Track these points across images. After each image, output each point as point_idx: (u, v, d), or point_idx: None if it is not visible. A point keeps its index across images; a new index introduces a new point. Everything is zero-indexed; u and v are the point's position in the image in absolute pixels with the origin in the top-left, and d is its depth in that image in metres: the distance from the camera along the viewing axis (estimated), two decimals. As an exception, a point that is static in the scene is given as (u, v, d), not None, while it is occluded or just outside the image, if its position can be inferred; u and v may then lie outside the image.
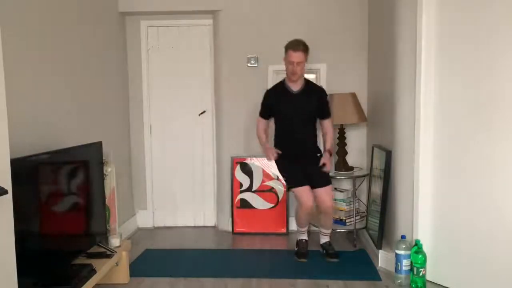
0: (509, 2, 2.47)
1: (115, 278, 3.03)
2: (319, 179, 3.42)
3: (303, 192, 3.37)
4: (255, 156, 4.27)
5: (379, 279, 3.11)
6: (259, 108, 4.25)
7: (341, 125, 3.93)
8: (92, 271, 2.57)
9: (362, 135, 4.23)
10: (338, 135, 3.98)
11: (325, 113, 3.56)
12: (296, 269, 3.35)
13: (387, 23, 3.33)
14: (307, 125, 3.52)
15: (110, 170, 3.24)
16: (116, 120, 4.06)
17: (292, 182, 3.50)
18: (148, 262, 3.52)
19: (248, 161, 4.27)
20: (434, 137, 2.91)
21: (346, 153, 3.97)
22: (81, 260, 2.70)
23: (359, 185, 4.07)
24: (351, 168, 3.98)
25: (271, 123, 3.68)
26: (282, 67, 4.22)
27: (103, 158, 3.04)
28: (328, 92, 4.04)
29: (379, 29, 3.67)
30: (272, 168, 4.23)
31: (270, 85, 4.23)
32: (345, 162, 3.96)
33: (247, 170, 4.26)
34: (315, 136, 3.61)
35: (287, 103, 3.47)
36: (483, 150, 2.64)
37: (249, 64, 4.23)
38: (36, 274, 2.19)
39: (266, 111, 3.58)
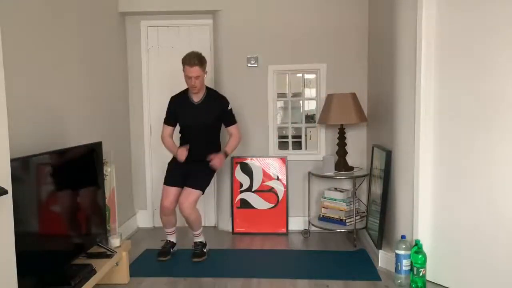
0: (509, 2, 2.47)
1: (115, 278, 3.03)
2: (190, 180, 3.44)
3: (167, 191, 3.48)
4: (255, 156, 4.27)
5: (379, 279, 3.11)
6: (259, 108, 4.28)
7: (341, 125, 3.94)
8: (92, 271, 2.57)
9: (362, 135, 4.23)
10: (338, 135, 3.99)
11: (228, 121, 3.59)
12: (296, 269, 3.35)
13: (387, 23, 3.33)
14: (207, 135, 3.54)
15: (110, 170, 3.24)
16: (116, 120, 4.06)
17: (166, 178, 3.57)
18: (148, 262, 3.52)
19: (248, 161, 4.27)
20: (434, 137, 2.91)
21: (346, 153, 3.97)
22: (81, 260, 2.70)
23: (359, 185, 4.08)
24: (351, 168, 3.98)
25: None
26: (282, 67, 4.26)
27: (103, 158, 3.04)
28: (328, 92, 4.07)
29: (379, 29, 3.67)
30: (272, 168, 4.25)
31: (270, 85, 4.25)
32: (345, 162, 3.96)
33: (247, 170, 4.26)
34: (215, 145, 3.62)
35: (187, 114, 3.51)
36: (483, 150, 2.64)
37: (249, 64, 4.23)
38: (36, 274, 2.19)
39: (170, 118, 3.60)
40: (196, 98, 3.52)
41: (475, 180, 2.69)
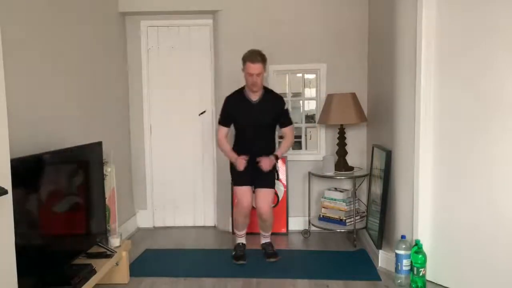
0: (509, 2, 2.47)
1: (115, 278, 3.03)
2: (260, 181, 3.42)
3: (242, 192, 3.42)
4: (255, 156, 4.27)
5: (379, 279, 3.11)
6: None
7: (341, 125, 3.94)
8: (92, 271, 2.57)
9: (362, 135, 4.23)
10: (338, 135, 3.99)
11: (284, 122, 3.52)
12: (296, 269, 3.35)
13: (387, 23, 3.33)
14: (264, 135, 3.48)
15: (110, 170, 3.24)
16: (116, 120, 4.06)
17: (236, 180, 3.51)
18: (148, 262, 3.52)
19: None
20: (434, 137, 2.91)
21: (346, 153, 3.97)
22: (81, 260, 2.70)
23: (359, 185, 4.07)
24: (351, 168, 3.98)
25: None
26: (282, 67, 4.25)
27: (103, 158, 3.04)
28: (328, 92, 4.07)
29: (379, 29, 3.67)
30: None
31: (270, 85, 4.24)
32: (345, 162, 3.96)
33: (247, 170, 4.26)
34: (272, 145, 3.57)
35: (245, 113, 3.42)
36: (483, 149, 2.64)
37: (249, 64, 4.22)
38: (36, 274, 2.19)
39: (226, 119, 3.51)
40: (254, 97, 3.41)
41: (475, 180, 2.69)
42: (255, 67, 3.26)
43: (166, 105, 4.43)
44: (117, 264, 2.97)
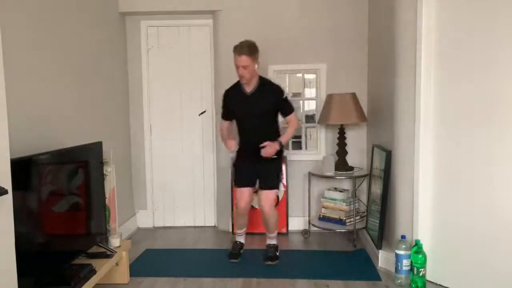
0: (509, 2, 2.47)
1: (115, 278, 3.03)
2: (262, 181, 3.44)
3: (241, 193, 3.46)
4: (255, 156, 4.27)
5: (379, 279, 3.11)
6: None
7: (341, 125, 3.94)
8: (92, 271, 2.57)
9: (362, 135, 4.23)
10: (338, 135, 3.99)
11: (285, 111, 3.47)
12: (296, 269, 3.35)
13: (387, 23, 3.33)
14: (264, 126, 3.44)
15: (110, 170, 3.24)
16: (116, 120, 4.06)
17: (236, 180, 3.55)
18: (148, 262, 3.52)
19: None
20: (434, 137, 2.91)
21: (346, 153, 3.97)
22: (81, 260, 2.70)
23: (359, 185, 4.07)
24: (351, 168, 3.98)
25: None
26: (282, 67, 4.26)
27: (103, 158, 3.04)
28: (328, 92, 4.06)
29: (379, 29, 3.67)
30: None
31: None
32: (345, 162, 3.96)
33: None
34: (274, 134, 3.47)
35: (241, 105, 3.43)
36: (483, 149, 2.64)
37: (249, 64, 4.22)
38: (36, 274, 2.19)
39: (225, 112, 3.55)
40: (248, 88, 3.40)
41: (475, 180, 2.69)
42: (241, 60, 3.24)
43: (166, 105, 4.43)
44: (117, 264, 2.97)
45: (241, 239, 3.66)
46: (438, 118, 2.88)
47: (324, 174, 3.93)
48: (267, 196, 3.41)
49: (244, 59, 3.23)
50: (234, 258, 3.51)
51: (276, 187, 3.47)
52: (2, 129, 1.62)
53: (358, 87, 4.10)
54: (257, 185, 3.51)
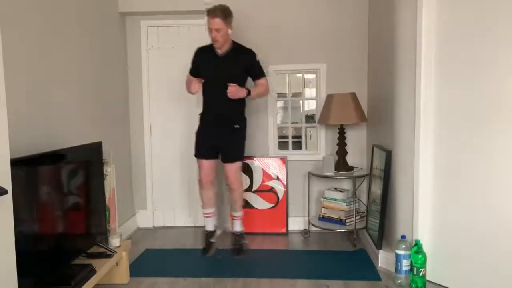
0: (509, 2, 2.47)
1: (115, 278, 3.03)
2: (226, 154, 3.40)
3: (201, 164, 3.43)
4: (255, 156, 4.27)
5: (379, 279, 3.11)
6: (259, 107, 4.27)
7: (341, 125, 3.94)
8: (92, 271, 2.57)
9: (362, 135, 4.23)
10: (338, 135, 3.99)
11: (256, 74, 3.44)
12: (296, 269, 3.35)
13: (387, 23, 3.33)
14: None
15: (110, 170, 3.24)
16: (116, 120, 4.06)
17: (196, 150, 3.49)
18: (148, 262, 3.52)
19: (248, 161, 4.26)
20: (434, 137, 2.91)
21: (346, 153, 3.97)
22: (81, 260, 2.70)
23: (359, 185, 4.07)
24: (351, 168, 3.98)
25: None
26: (282, 67, 4.26)
27: (103, 158, 3.04)
28: (328, 92, 4.07)
29: (379, 29, 3.67)
30: (272, 168, 4.25)
31: (271, 85, 4.24)
32: (345, 162, 3.96)
33: (247, 170, 4.26)
34: (239, 106, 3.45)
35: (212, 65, 3.40)
36: (483, 150, 2.64)
37: (249, 64, 4.22)
38: (36, 274, 2.19)
39: (193, 69, 3.54)
40: (221, 50, 3.40)
41: (475, 180, 2.69)
42: (214, 22, 3.23)
43: (166, 105, 4.43)
44: (117, 264, 2.97)
45: (209, 224, 3.54)
46: (438, 118, 2.88)
47: (324, 174, 3.93)
48: (231, 168, 3.37)
49: (217, 22, 3.22)
50: (207, 252, 3.44)
51: (239, 158, 3.41)
52: (2, 129, 1.62)
53: (358, 87, 4.10)
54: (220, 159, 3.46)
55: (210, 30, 3.26)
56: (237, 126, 3.39)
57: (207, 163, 3.40)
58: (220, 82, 3.34)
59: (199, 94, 3.66)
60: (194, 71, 3.54)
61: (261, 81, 3.46)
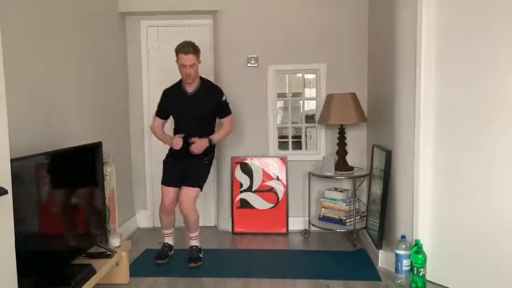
0: (509, 2, 2.47)
1: (115, 278, 3.03)
2: (187, 179, 3.39)
3: (166, 191, 3.43)
4: (255, 156, 4.27)
5: (379, 279, 3.11)
6: (259, 107, 4.28)
7: (341, 125, 3.94)
8: (92, 271, 2.57)
9: (362, 135, 4.23)
10: (338, 135, 3.99)
11: (222, 113, 3.50)
12: (296, 269, 3.36)
13: (387, 23, 3.33)
14: (201, 127, 3.43)
15: (110, 170, 3.24)
16: (116, 120, 4.06)
17: (163, 177, 3.51)
18: (148, 262, 3.52)
19: (248, 161, 4.27)
20: (434, 137, 2.91)
21: (346, 153, 3.97)
22: (81, 260, 2.70)
23: (359, 185, 4.07)
24: (351, 168, 3.98)
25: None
26: (282, 67, 4.26)
27: (103, 158, 3.04)
28: (328, 92, 4.07)
29: (379, 29, 3.67)
30: (272, 168, 4.25)
31: (270, 85, 4.25)
32: (345, 162, 3.96)
33: (247, 170, 4.26)
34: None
35: (182, 105, 3.42)
36: (483, 150, 2.64)
37: (249, 64, 4.23)
38: (36, 274, 2.19)
39: (161, 110, 3.54)
40: (190, 88, 3.42)
41: (475, 180, 2.69)
42: (187, 58, 3.26)
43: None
44: (117, 264, 2.96)
45: (169, 240, 3.59)
46: (438, 118, 2.88)
47: (324, 174, 3.93)
48: (187, 193, 3.35)
49: (191, 58, 3.27)
50: (161, 259, 3.45)
51: (198, 185, 3.39)
52: (2, 129, 1.62)
53: (358, 87, 4.10)
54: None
55: (184, 66, 3.29)
56: (206, 160, 3.45)
57: (173, 191, 3.43)
58: (192, 121, 3.41)
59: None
60: (163, 113, 3.54)
61: (225, 120, 3.53)
